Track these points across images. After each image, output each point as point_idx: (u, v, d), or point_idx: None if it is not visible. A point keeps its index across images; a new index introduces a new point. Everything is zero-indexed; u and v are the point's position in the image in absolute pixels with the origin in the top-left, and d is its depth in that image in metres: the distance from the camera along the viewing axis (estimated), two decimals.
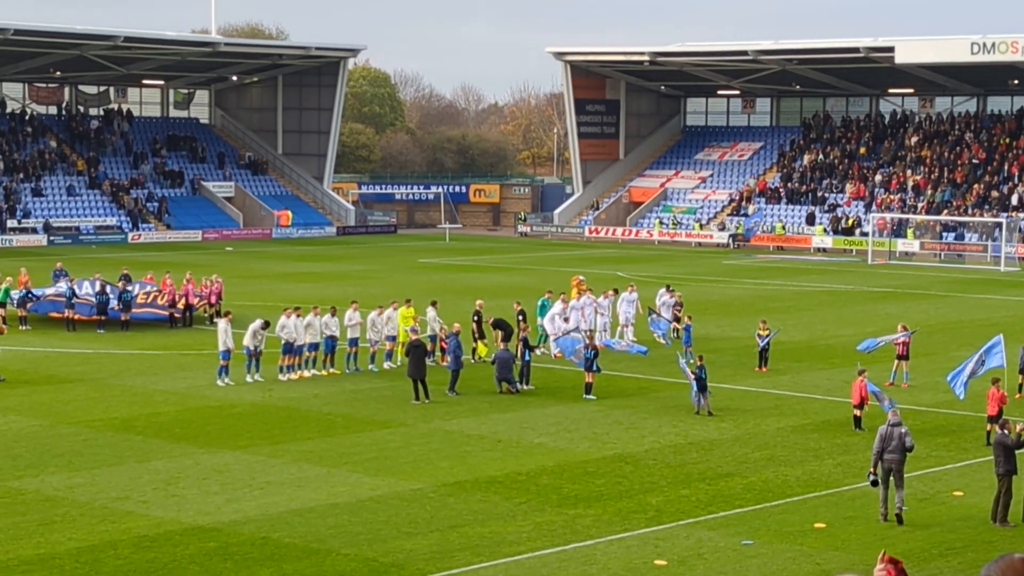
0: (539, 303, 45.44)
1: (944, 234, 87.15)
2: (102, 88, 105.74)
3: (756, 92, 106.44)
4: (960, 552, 23.55)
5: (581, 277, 51.09)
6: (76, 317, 48.27)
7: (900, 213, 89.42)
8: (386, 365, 40.50)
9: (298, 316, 39.26)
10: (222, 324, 38.72)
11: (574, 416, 34.47)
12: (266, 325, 38.56)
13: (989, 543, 23.93)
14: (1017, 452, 25.30)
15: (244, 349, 38.23)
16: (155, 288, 50.28)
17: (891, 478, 25.28)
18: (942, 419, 34.56)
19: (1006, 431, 25.72)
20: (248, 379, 38.09)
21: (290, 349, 38.76)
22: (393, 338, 40.88)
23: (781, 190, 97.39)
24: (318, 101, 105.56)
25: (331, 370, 39.63)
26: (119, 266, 57.59)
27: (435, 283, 64.56)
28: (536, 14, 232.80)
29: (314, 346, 39.46)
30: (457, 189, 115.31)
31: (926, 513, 25.97)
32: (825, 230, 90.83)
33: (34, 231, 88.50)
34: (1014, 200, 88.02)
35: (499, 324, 41.06)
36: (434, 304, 42.96)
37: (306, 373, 39.15)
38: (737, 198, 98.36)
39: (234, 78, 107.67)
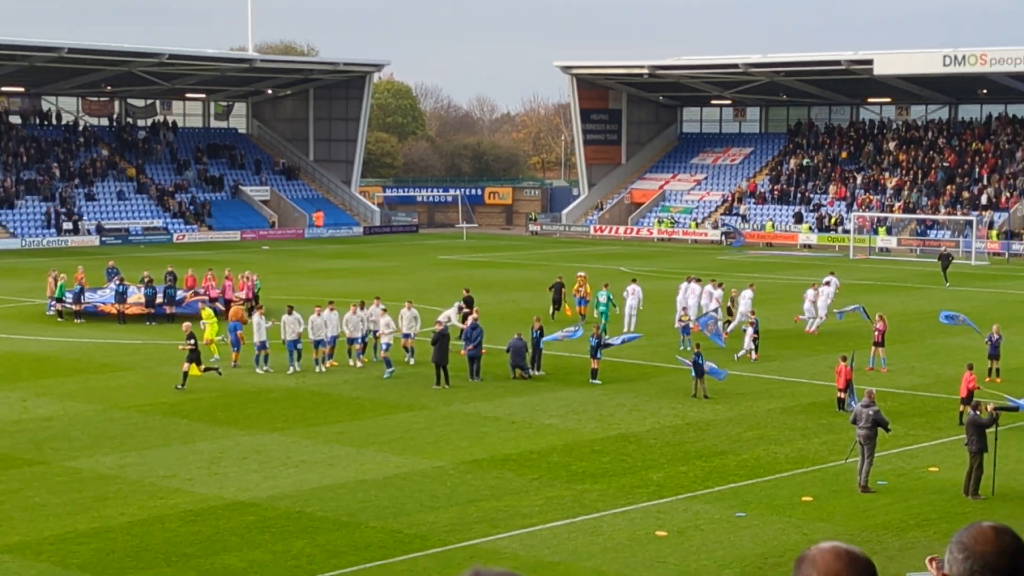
0: (604, 298, 45.24)
1: (919, 231, 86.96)
2: (149, 101, 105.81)
3: (746, 102, 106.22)
4: (935, 523, 23.53)
5: (582, 273, 51.11)
6: (127, 310, 48.31)
7: (879, 212, 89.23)
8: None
9: (331, 311, 38.94)
10: (256, 318, 38.71)
11: (581, 399, 34.47)
12: (290, 310, 38.56)
13: (962, 514, 23.90)
14: (987, 431, 25.29)
15: (287, 345, 38.04)
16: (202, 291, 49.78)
17: (863, 450, 25.53)
18: (919, 401, 34.51)
19: (978, 412, 25.71)
20: (290, 370, 37.83)
21: (320, 343, 38.51)
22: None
23: (776, 191, 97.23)
24: (346, 112, 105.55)
25: (361, 358, 39.18)
26: (165, 264, 57.67)
27: (454, 278, 64.52)
28: (545, 31, 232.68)
29: (352, 340, 38.92)
30: (473, 192, 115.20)
31: (904, 487, 25.96)
32: (810, 228, 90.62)
33: (87, 233, 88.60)
34: (983, 200, 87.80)
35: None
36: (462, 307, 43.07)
37: (358, 363, 38.54)
38: (729, 199, 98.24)
39: (269, 91, 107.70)
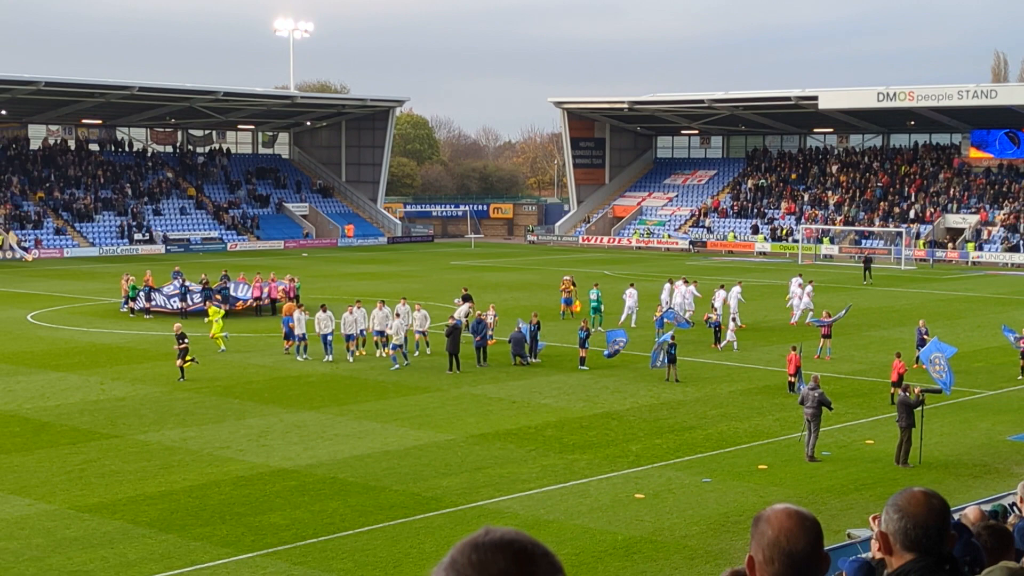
0: (593, 295, 45.41)
1: (857, 240, 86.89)
2: (207, 131, 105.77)
3: (711, 131, 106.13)
4: (871, 487, 23.52)
5: (567, 277, 51.07)
6: (187, 308, 48.29)
7: (823, 225, 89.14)
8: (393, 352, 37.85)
9: (358, 308, 38.82)
10: (297, 314, 38.63)
11: (572, 383, 34.43)
12: (324, 308, 38.36)
13: (893, 480, 23.90)
14: (915, 410, 25.26)
15: (321, 337, 37.93)
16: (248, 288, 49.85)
17: (810, 426, 25.48)
18: (857, 384, 34.48)
19: (907, 393, 25.69)
20: (326, 359, 37.73)
21: (351, 337, 38.30)
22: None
23: (736, 207, 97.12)
24: (372, 140, 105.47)
25: (387, 349, 38.99)
26: (220, 268, 57.64)
27: (463, 280, 64.43)
28: (541, 72, 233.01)
29: (378, 333, 38.81)
30: (480, 207, 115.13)
31: (845, 457, 25.93)
32: (765, 238, 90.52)
33: (155, 242, 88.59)
34: (911, 214, 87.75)
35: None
36: (468, 300, 42.98)
37: (382, 353, 38.14)
38: (697, 213, 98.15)
39: (308, 123, 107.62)
